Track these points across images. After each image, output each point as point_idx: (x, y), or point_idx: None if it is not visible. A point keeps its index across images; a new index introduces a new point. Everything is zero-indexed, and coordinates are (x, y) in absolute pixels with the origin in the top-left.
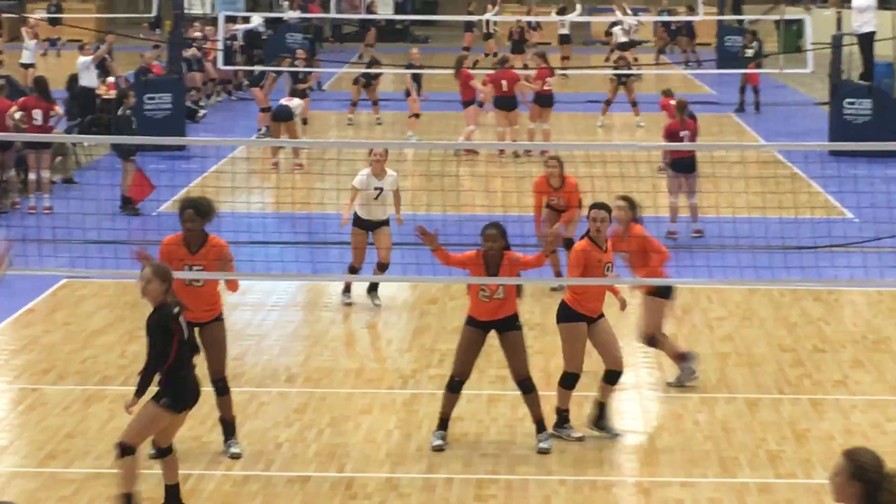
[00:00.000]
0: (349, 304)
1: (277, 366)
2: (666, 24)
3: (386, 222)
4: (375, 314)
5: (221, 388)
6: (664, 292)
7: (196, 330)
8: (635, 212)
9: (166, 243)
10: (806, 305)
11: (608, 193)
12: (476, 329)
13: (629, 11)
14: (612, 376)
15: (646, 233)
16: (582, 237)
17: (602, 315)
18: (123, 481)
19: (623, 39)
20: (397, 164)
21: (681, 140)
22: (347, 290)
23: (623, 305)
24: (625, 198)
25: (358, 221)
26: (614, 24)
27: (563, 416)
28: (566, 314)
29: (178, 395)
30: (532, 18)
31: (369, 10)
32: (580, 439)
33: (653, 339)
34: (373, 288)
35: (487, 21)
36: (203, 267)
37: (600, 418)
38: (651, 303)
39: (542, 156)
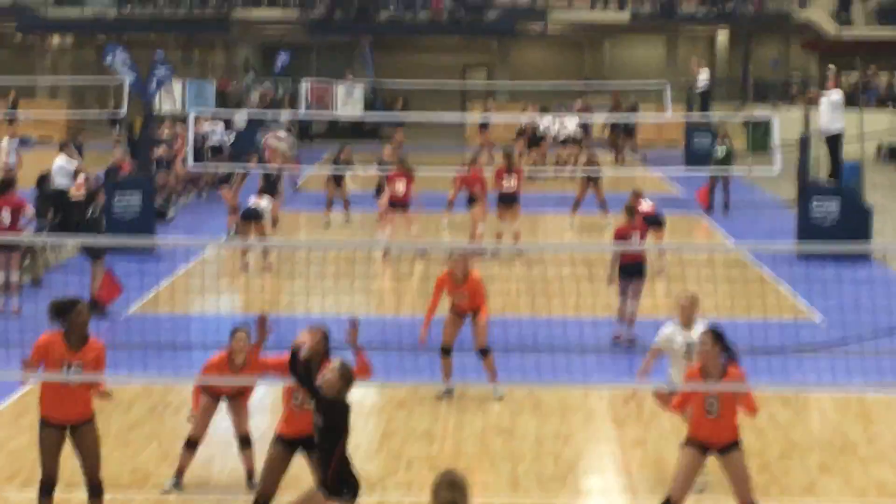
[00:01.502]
0: None
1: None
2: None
3: None
4: None
5: (96, 491)
6: None
7: (67, 432)
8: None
9: (44, 340)
10: (774, 410)
11: (577, 296)
12: (283, 447)
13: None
14: None
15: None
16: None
17: (734, 446)
18: None
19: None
20: (366, 266)
21: (630, 243)
22: None
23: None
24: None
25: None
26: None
27: None
28: (685, 438)
29: (356, 484)
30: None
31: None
32: None
33: None
34: None
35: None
36: (83, 365)
37: None
38: None
39: (518, 257)
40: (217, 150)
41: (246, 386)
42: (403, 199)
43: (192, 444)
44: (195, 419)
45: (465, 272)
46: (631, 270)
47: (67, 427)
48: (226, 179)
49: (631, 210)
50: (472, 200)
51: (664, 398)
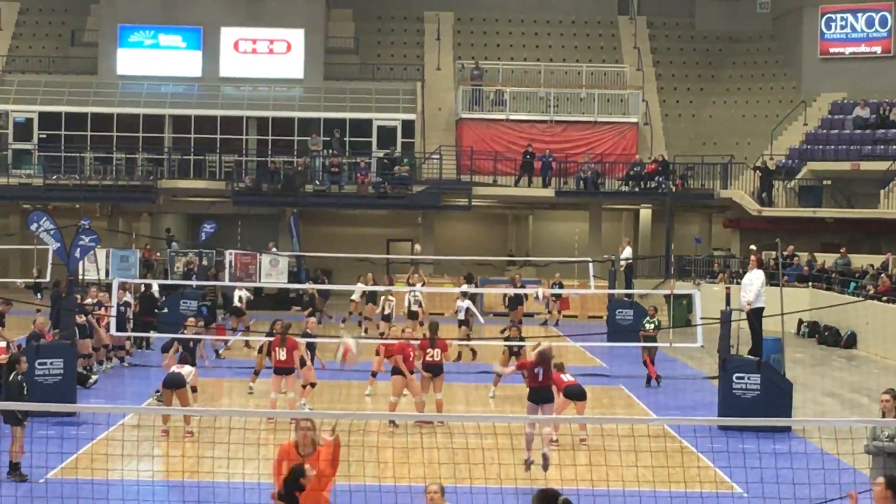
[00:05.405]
0: None
1: None
2: (556, 297)
3: None
4: None
5: None
6: None
7: None
8: None
9: None
10: None
11: (498, 465)
12: None
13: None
14: None
15: None
16: None
17: None
18: None
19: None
20: (287, 434)
21: (534, 373)
22: None
23: None
24: None
25: None
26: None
27: None
28: None
29: None
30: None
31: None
32: None
33: None
34: None
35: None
36: None
37: None
38: None
39: (437, 426)
40: (144, 314)
41: None
42: (286, 365)
43: None
44: None
45: (314, 445)
46: (540, 395)
47: None
48: (168, 346)
49: (545, 359)
50: (396, 371)
51: None
